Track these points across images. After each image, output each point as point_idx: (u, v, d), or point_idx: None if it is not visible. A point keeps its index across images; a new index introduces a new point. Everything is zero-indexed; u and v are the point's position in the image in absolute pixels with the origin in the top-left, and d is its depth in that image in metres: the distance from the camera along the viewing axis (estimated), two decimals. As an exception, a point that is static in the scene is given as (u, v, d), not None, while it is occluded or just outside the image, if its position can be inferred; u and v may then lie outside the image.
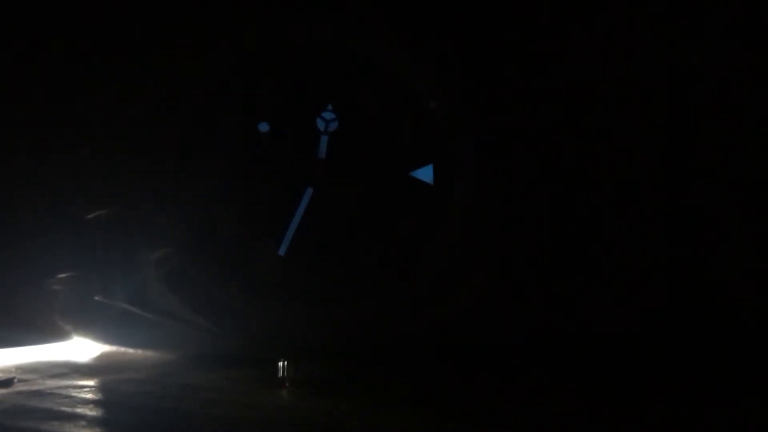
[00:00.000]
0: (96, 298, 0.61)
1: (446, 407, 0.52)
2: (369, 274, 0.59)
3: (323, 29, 0.60)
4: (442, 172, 0.60)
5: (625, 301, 0.61)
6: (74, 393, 0.54)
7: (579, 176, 0.62)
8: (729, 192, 0.62)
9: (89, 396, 0.54)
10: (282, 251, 0.59)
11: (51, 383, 0.57)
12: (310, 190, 0.59)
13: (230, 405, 0.52)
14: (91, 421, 0.48)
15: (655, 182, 0.62)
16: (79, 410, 0.50)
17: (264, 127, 0.59)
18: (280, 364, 0.55)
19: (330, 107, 0.60)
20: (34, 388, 0.56)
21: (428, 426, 0.48)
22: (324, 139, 0.60)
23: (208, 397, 0.54)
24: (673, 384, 0.56)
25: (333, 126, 0.60)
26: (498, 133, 0.61)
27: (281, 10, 0.60)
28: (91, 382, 0.57)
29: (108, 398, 0.54)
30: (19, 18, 0.61)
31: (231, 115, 0.60)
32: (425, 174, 0.60)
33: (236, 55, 0.60)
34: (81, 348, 0.66)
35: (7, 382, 0.57)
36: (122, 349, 0.66)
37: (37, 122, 0.62)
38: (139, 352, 0.66)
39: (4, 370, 0.61)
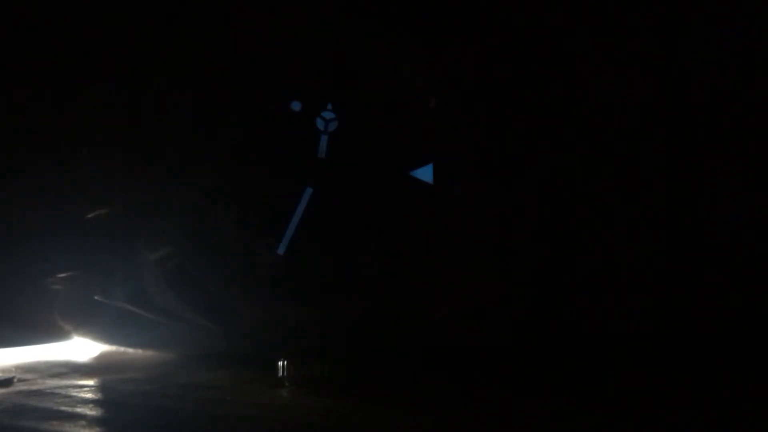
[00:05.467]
0: (96, 298, 0.61)
1: (445, 407, 0.52)
2: (368, 274, 0.59)
3: (324, 29, 0.60)
4: (442, 172, 0.60)
5: (623, 304, 0.61)
6: (74, 393, 0.54)
7: (579, 177, 0.62)
8: (729, 193, 0.62)
9: (89, 396, 0.54)
10: (281, 251, 0.59)
11: (51, 383, 0.57)
12: (309, 190, 0.59)
13: (230, 405, 0.52)
14: (91, 421, 0.48)
15: (656, 184, 0.62)
16: (79, 410, 0.50)
17: (296, 106, 0.59)
18: (280, 364, 0.55)
19: (330, 107, 0.60)
20: (34, 387, 0.56)
21: (427, 426, 0.48)
22: (324, 138, 0.60)
23: (208, 396, 0.54)
24: (670, 385, 0.56)
25: (333, 126, 0.60)
26: (498, 134, 0.61)
27: (282, 10, 0.60)
28: (91, 382, 0.57)
29: (108, 398, 0.54)
30: (19, 18, 0.61)
31: (231, 114, 0.60)
32: (425, 174, 0.60)
33: (236, 55, 0.60)
34: (81, 348, 0.66)
35: (7, 382, 0.57)
36: (122, 349, 0.66)
37: (37, 123, 0.62)
38: (139, 352, 0.66)
39: (4, 370, 0.61)
